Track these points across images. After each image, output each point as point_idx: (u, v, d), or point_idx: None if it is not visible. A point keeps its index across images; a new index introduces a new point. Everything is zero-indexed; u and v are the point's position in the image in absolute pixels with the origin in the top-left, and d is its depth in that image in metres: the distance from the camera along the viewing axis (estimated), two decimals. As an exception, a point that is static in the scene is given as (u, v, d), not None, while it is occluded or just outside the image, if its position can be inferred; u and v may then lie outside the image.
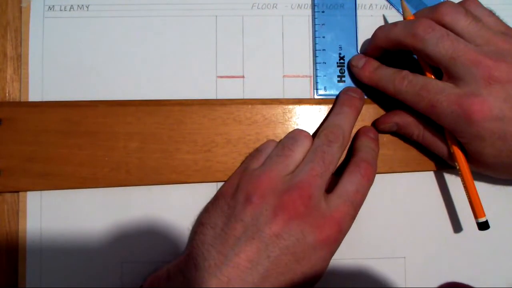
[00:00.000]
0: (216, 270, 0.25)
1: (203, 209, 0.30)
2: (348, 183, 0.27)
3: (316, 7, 0.32)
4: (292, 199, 0.26)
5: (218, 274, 0.25)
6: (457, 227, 0.32)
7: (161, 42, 0.32)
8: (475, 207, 0.28)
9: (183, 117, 0.30)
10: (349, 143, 0.31)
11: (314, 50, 0.32)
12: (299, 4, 0.32)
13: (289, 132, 0.30)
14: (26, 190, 0.30)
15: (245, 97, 0.32)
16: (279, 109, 0.31)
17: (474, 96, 0.26)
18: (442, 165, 0.31)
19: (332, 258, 0.27)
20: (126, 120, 0.30)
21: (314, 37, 0.32)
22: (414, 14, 0.30)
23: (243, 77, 0.32)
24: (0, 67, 0.31)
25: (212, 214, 0.28)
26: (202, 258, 0.26)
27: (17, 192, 0.30)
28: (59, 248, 0.30)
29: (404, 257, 0.31)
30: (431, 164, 0.31)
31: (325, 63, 0.32)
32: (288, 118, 0.31)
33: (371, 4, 0.33)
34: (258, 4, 0.32)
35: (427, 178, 0.32)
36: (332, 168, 0.28)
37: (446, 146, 0.29)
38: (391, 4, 0.33)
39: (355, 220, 0.28)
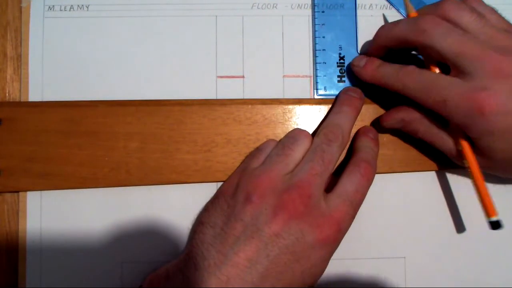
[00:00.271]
0: (215, 269, 0.25)
1: (203, 208, 0.30)
2: (348, 183, 0.27)
3: (316, 7, 0.32)
4: (291, 199, 0.26)
5: (217, 273, 0.25)
6: (457, 227, 0.32)
7: (161, 42, 0.32)
8: (487, 206, 0.28)
9: (183, 117, 0.30)
10: (349, 143, 0.31)
11: (314, 50, 0.32)
12: (299, 4, 0.32)
13: (289, 132, 0.30)
14: (26, 190, 0.30)
15: (245, 97, 0.32)
16: (279, 109, 0.31)
17: (484, 90, 0.26)
18: (443, 165, 0.31)
19: (332, 258, 0.27)
20: (126, 120, 0.30)
21: (314, 37, 0.32)
22: (417, 11, 0.30)
23: (243, 77, 0.32)
24: (0, 67, 0.31)
25: (212, 213, 0.28)
26: (201, 257, 0.26)
27: (17, 192, 0.30)
28: (59, 248, 0.30)
29: (404, 257, 0.31)
30: (431, 164, 0.31)
31: (325, 63, 0.32)
32: (288, 118, 0.31)
33: (371, 4, 0.33)
34: (258, 4, 0.32)
35: (427, 178, 0.32)
36: (331, 168, 0.28)
37: (453, 142, 0.29)
38: (391, 4, 0.33)
39: (355, 220, 0.28)
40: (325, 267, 0.27)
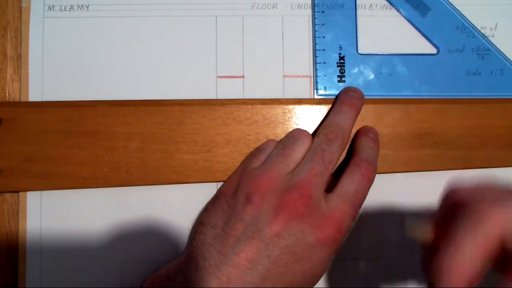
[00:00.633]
0: (216, 270, 0.25)
1: (203, 209, 0.30)
2: (348, 183, 0.27)
3: (316, 7, 0.32)
4: (292, 199, 0.26)
5: (218, 274, 0.25)
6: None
7: (161, 42, 0.32)
8: None
9: (183, 117, 0.30)
10: (349, 143, 0.31)
11: (314, 50, 0.32)
12: (299, 4, 0.32)
13: (289, 132, 0.30)
14: (26, 190, 0.30)
15: (245, 97, 0.32)
16: (279, 109, 0.31)
17: None
18: (443, 165, 0.31)
19: (332, 258, 0.27)
20: (126, 120, 0.30)
21: (314, 37, 0.32)
22: None
23: (243, 77, 0.32)
24: (0, 67, 0.31)
25: (212, 213, 0.28)
26: (202, 258, 0.26)
27: (17, 192, 0.30)
28: (59, 248, 0.30)
29: (404, 257, 0.31)
30: (432, 164, 0.31)
31: (325, 63, 0.32)
32: (288, 118, 0.31)
33: (371, 4, 0.33)
34: (258, 4, 0.32)
35: (427, 178, 0.32)
36: (331, 167, 0.28)
37: None
38: (391, 4, 0.33)
39: (355, 220, 0.28)
40: (326, 267, 0.27)
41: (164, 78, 0.31)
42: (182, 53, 0.32)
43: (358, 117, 0.31)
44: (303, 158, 0.28)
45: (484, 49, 0.32)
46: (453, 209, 0.22)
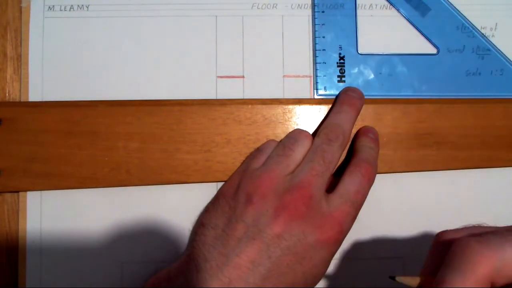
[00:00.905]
0: (217, 271, 0.25)
1: (203, 210, 0.30)
2: (349, 183, 0.27)
3: (316, 7, 0.32)
4: (293, 199, 0.26)
5: (219, 275, 0.25)
6: (457, 227, 0.31)
7: (161, 42, 0.32)
8: None
9: (183, 117, 0.30)
10: (349, 143, 0.31)
11: (314, 50, 0.32)
12: (299, 4, 0.32)
13: (290, 132, 0.30)
14: (26, 190, 0.30)
15: (245, 97, 0.32)
16: (279, 109, 0.31)
17: None
18: (443, 165, 0.31)
19: (333, 258, 0.27)
20: (126, 120, 0.30)
21: (314, 37, 0.32)
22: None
23: (243, 77, 0.32)
24: (0, 67, 0.31)
25: (212, 214, 0.28)
26: (203, 259, 0.26)
27: (17, 192, 0.30)
28: (59, 248, 0.30)
29: (403, 257, 0.31)
30: (432, 164, 0.31)
31: (325, 63, 0.32)
32: (288, 118, 0.31)
33: (371, 4, 0.33)
34: (258, 4, 0.32)
35: (427, 178, 0.32)
36: (332, 167, 0.28)
37: None
38: (391, 4, 0.33)
39: (355, 220, 0.28)
40: (327, 268, 0.27)
41: (164, 78, 0.31)
42: (182, 53, 0.32)
43: (358, 117, 0.31)
44: (303, 158, 0.28)
45: (484, 49, 0.32)
46: (443, 252, 0.22)
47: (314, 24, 0.32)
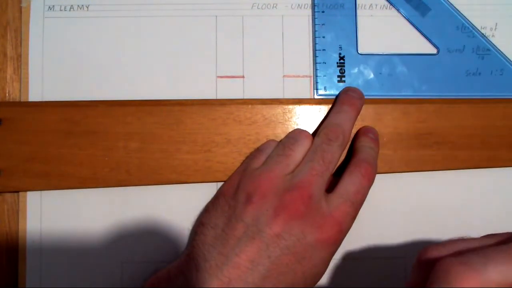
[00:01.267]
0: (217, 271, 0.25)
1: (203, 209, 0.30)
2: (349, 183, 0.27)
3: (316, 7, 0.32)
4: (292, 199, 0.26)
5: (219, 275, 0.25)
6: (457, 227, 0.32)
7: (161, 42, 0.32)
8: None
9: (183, 117, 0.30)
10: (349, 143, 0.31)
11: (314, 50, 0.32)
12: (299, 4, 0.32)
13: (290, 132, 0.30)
14: (26, 190, 0.30)
15: (245, 97, 0.32)
16: (279, 109, 0.31)
17: None
18: (443, 165, 0.31)
19: (333, 258, 0.27)
20: (126, 120, 0.30)
21: (314, 37, 0.32)
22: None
23: (243, 77, 0.32)
24: (0, 67, 0.31)
25: (212, 214, 0.28)
26: (202, 258, 0.26)
27: (17, 192, 0.30)
28: (59, 248, 0.30)
29: (404, 257, 0.31)
30: (432, 164, 0.31)
31: (325, 63, 0.32)
32: (288, 118, 0.31)
33: (371, 4, 0.33)
34: (258, 4, 0.32)
35: (427, 178, 0.32)
36: (332, 167, 0.28)
37: None
38: (391, 4, 0.33)
39: (355, 220, 0.28)
40: (326, 268, 0.27)
41: (164, 78, 0.31)
42: (182, 53, 0.32)
43: (358, 117, 0.31)
44: (303, 158, 0.28)
45: (484, 49, 0.32)
46: (427, 269, 0.22)
47: (314, 24, 0.32)
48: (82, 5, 0.32)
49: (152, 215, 0.31)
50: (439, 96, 0.32)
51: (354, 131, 0.31)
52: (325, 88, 0.32)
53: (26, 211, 0.30)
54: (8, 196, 0.31)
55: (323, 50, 0.32)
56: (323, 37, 0.32)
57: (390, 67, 0.32)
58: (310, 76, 0.32)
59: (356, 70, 0.32)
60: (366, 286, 0.31)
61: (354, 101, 0.30)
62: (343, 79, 0.32)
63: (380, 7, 0.33)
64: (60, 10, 0.32)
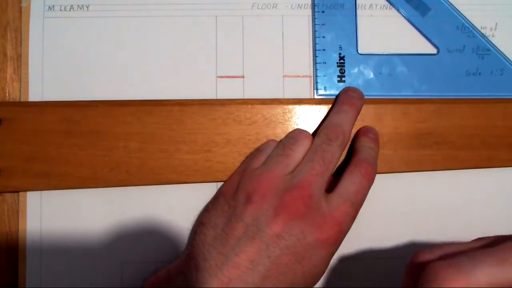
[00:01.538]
0: (217, 271, 0.25)
1: (203, 209, 0.30)
2: (349, 183, 0.27)
3: (316, 7, 0.32)
4: (292, 199, 0.26)
5: (219, 275, 0.25)
6: (457, 227, 0.32)
7: (161, 42, 0.32)
8: None
9: (183, 117, 0.30)
10: (349, 143, 0.31)
11: (314, 50, 0.32)
12: (299, 4, 0.32)
13: (290, 132, 0.30)
14: (26, 190, 0.30)
15: (245, 97, 0.32)
16: (279, 109, 0.31)
17: None
18: (442, 165, 0.31)
19: (332, 258, 0.27)
20: (126, 120, 0.30)
21: (314, 37, 0.32)
22: None
23: (243, 77, 0.32)
24: (0, 67, 0.31)
25: (212, 214, 0.28)
26: (202, 258, 0.26)
27: (17, 192, 0.30)
28: (59, 248, 0.30)
29: (404, 257, 0.31)
30: (432, 164, 0.31)
31: (325, 63, 0.32)
32: (288, 118, 0.31)
33: (371, 4, 0.33)
34: (258, 4, 0.32)
35: (427, 178, 0.32)
36: (332, 167, 0.28)
37: None
38: (391, 4, 0.33)
39: (355, 220, 0.28)
40: (326, 267, 0.27)
41: (164, 78, 0.31)
42: (182, 53, 0.32)
43: (358, 117, 0.31)
44: (303, 158, 0.28)
45: (484, 49, 0.32)
46: (417, 273, 0.22)
47: (314, 24, 0.32)
48: (82, 5, 0.32)
49: (152, 215, 0.31)
50: (439, 96, 0.32)
51: (354, 131, 0.31)
52: (325, 88, 0.32)
53: (26, 211, 0.30)
54: (8, 196, 0.31)
55: (323, 50, 0.32)
56: (323, 37, 0.32)
57: (390, 67, 0.32)
58: (310, 76, 0.32)
59: (356, 70, 0.32)
60: (366, 286, 0.31)
61: (354, 101, 0.30)
62: (343, 79, 0.32)
63: (380, 7, 0.33)
64: (60, 10, 0.32)
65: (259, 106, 0.31)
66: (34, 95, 0.31)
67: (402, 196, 0.32)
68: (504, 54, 0.32)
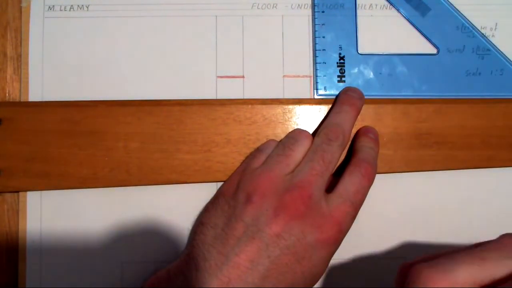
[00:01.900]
0: (216, 271, 0.25)
1: (203, 209, 0.30)
2: (349, 183, 0.27)
3: (316, 7, 0.32)
4: (292, 199, 0.26)
5: (218, 275, 0.25)
6: (456, 227, 0.32)
7: (161, 42, 0.32)
8: None
9: (183, 117, 0.30)
10: (349, 143, 0.31)
11: (314, 50, 0.32)
12: (299, 4, 0.32)
13: (290, 132, 0.30)
14: (26, 190, 0.30)
15: (245, 97, 0.32)
16: (279, 109, 0.31)
17: None
18: (442, 165, 0.31)
19: (332, 258, 0.27)
20: (126, 120, 0.30)
21: (314, 37, 0.32)
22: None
23: (243, 77, 0.32)
24: (0, 67, 0.31)
25: (212, 214, 0.28)
26: (202, 258, 0.26)
27: (17, 192, 0.30)
28: (59, 248, 0.30)
29: (404, 257, 0.31)
30: (432, 164, 0.31)
31: (325, 63, 0.32)
32: (288, 118, 0.31)
33: (371, 4, 0.33)
34: (258, 4, 0.32)
35: (427, 178, 0.32)
36: (332, 167, 0.28)
37: None
38: (391, 4, 0.33)
39: (355, 220, 0.28)
40: (326, 267, 0.27)
41: (164, 78, 0.31)
42: (182, 53, 0.32)
43: (358, 117, 0.31)
44: (303, 158, 0.28)
45: (484, 49, 0.32)
46: (404, 281, 0.23)
47: (314, 24, 0.32)
48: (82, 5, 0.32)
49: (152, 215, 0.31)
50: (439, 96, 0.32)
51: (354, 131, 0.31)
52: (325, 88, 0.32)
53: (26, 211, 0.30)
54: (8, 196, 0.31)
55: (323, 50, 0.32)
56: (323, 37, 0.32)
57: (390, 67, 0.32)
58: (310, 76, 0.32)
59: (356, 70, 0.32)
60: (366, 286, 0.31)
61: (354, 101, 0.30)
62: (343, 79, 0.32)
63: (380, 7, 0.33)
64: (60, 10, 0.32)
65: (259, 106, 0.31)
66: (34, 95, 0.31)
67: (402, 196, 0.32)
68: (504, 54, 0.32)
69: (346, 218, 0.27)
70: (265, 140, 0.30)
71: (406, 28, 0.32)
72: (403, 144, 0.31)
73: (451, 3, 0.33)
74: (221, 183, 0.30)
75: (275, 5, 0.32)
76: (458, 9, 0.32)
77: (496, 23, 0.33)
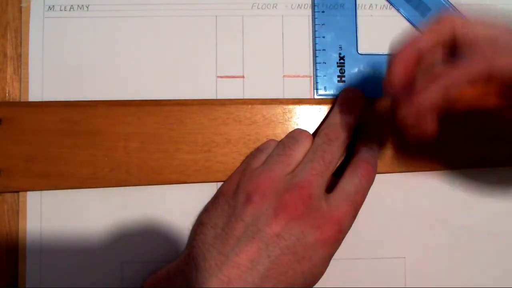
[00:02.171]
0: (216, 270, 0.25)
1: (203, 209, 0.30)
2: (349, 183, 0.27)
3: (316, 7, 0.32)
4: (292, 199, 0.26)
5: (218, 274, 0.25)
6: (457, 227, 0.32)
7: (161, 42, 0.32)
8: None
9: (183, 117, 0.30)
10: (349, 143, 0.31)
11: (314, 50, 0.32)
12: (299, 4, 0.32)
13: (290, 132, 0.30)
14: (26, 190, 0.30)
15: (245, 97, 0.32)
16: (279, 109, 0.31)
17: None
18: (443, 165, 0.31)
19: (332, 258, 0.27)
20: (126, 120, 0.30)
21: (314, 37, 0.32)
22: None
23: (243, 77, 0.32)
24: (0, 67, 0.31)
25: (212, 213, 0.28)
26: (202, 258, 0.26)
27: (17, 192, 0.30)
28: (59, 248, 0.30)
29: (404, 257, 0.31)
30: (432, 164, 0.31)
31: (325, 63, 0.32)
32: (288, 118, 0.31)
33: (371, 4, 0.33)
34: (258, 4, 0.32)
35: (427, 178, 0.32)
36: (332, 167, 0.28)
37: None
38: (391, 4, 0.33)
39: (355, 220, 0.28)
40: (326, 267, 0.27)
41: (164, 78, 0.31)
42: (182, 53, 0.32)
43: (358, 117, 0.31)
44: (303, 158, 0.28)
45: (484, 49, 0.32)
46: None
47: (314, 24, 0.32)
48: (82, 5, 0.32)
49: (152, 215, 0.31)
50: (439, 96, 0.32)
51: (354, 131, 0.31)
52: (325, 88, 0.32)
53: (26, 211, 0.30)
54: (8, 196, 0.31)
55: (323, 50, 0.32)
56: (323, 37, 0.32)
57: (390, 67, 0.32)
58: (310, 76, 0.32)
59: (356, 70, 0.32)
60: (366, 286, 0.31)
61: (354, 101, 0.30)
62: (343, 79, 0.32)
63: (380, 7, 0.33)
64: (60, 10, 0.32)
65: (259, 106, 0.31)
66: (34, 95, 0.31)
67: (402, 196, 0.32)
68: (504, 54, 0.32)
69: (346, 218, 0.27)
70: (265, 140, 0.30)
71: (406, 28, 0.32)
72: (403, 144, 0.31)
73: (451, 3, 0.33)
74: (221, 183, 0.30)
75: (275, 5, 0.32)
76: (458, 9, 0.32)
77: (496, 23, 0.32)
